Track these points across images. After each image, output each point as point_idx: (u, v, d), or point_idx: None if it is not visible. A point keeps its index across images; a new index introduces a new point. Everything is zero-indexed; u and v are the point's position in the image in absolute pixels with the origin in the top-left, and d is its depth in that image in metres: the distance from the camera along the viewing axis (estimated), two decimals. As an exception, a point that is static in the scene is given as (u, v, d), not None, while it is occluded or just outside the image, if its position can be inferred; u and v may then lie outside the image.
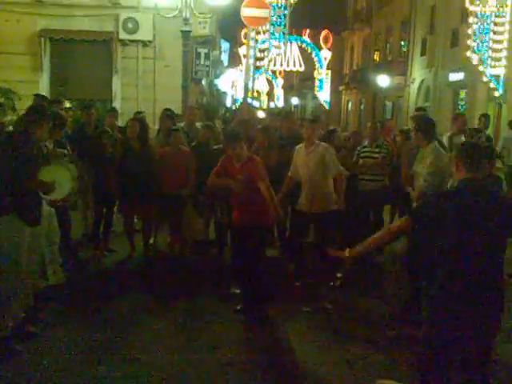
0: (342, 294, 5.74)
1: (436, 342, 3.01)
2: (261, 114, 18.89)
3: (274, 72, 36.17)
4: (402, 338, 4.59)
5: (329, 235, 6.96)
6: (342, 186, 5.87)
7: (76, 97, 12.75)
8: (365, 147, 7.04)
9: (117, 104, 12.23)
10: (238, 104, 27.23)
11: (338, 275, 5.98)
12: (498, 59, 17.53)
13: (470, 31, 17.74)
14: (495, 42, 17.52)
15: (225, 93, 36.91)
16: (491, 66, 17.58)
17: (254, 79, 18.10)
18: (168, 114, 7.74)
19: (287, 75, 40.54)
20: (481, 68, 17.74)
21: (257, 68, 22.66)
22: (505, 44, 17.46)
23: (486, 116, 9.70)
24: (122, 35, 12.44)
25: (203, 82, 19.08)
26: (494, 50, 17.53)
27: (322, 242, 5.92)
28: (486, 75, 17.75)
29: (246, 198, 4.97)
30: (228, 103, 36.84)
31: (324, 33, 30.55)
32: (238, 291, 5.40)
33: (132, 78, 12.85)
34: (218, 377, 3.98)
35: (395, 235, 3.21)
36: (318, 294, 5.64)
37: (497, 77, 17.62)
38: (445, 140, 7.74)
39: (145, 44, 12.65)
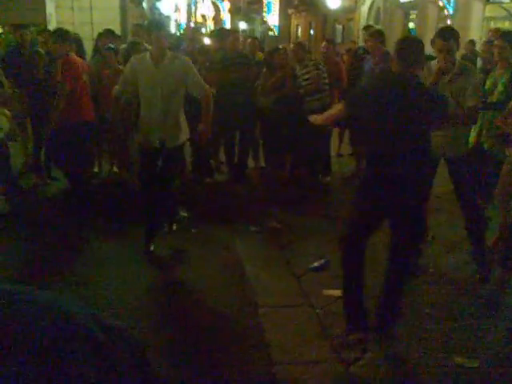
0: (290, 213, 5.83)
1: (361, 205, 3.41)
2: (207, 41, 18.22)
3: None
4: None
5: (278, 159, 7.01)
6: None
7: (7, 21, 11.89)
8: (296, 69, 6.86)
9: (51, 28, 11.53)
10: (181, 30, 26.20)
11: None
12: (447, -22, 17.35)
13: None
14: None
15: (168, 17, 35.36)
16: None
17: (196, 2, 17.34)
18: (109, 31, 7.34)
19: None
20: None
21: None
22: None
23: (473, 42, 9.43)
24: (54, -47, 11.58)
25: (144, 5, 18.17)
26: (443, -31, 17.31)
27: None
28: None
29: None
30: (172, 29, 35.42)
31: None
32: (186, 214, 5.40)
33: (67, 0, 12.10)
34: (170, 297, 4.04)
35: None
36: (266, 214, 5.71)
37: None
38: None
39: (79, -37, 11.86)
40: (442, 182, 4.55)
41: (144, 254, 4.68)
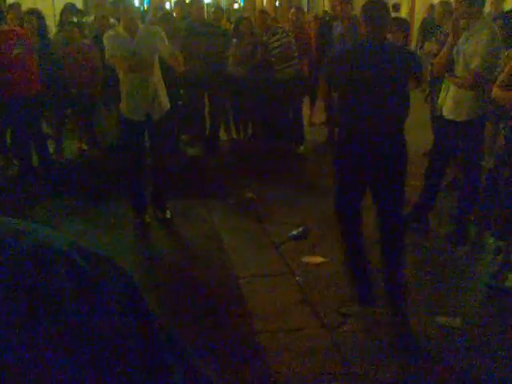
0: (266, 184, 5.75)
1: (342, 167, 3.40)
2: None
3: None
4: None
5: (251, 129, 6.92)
6: None
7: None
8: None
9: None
10: (146, 4, 25.49)
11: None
12: None
13: None
14: None
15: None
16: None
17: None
18: (72, 5, 7.08)
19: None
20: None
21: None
22: None
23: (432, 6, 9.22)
24: None
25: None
26: None
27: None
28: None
29: None
30: (136, 2, 34.45)
31: None
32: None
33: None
34: (147, 270, 3.96)
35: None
36: (241, 186, 5.63)
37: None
38: None
39: None
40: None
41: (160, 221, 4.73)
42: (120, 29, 4.47)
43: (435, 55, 4.89)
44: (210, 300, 3.56)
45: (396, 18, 5.21)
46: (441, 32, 5.35)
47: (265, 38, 6.64)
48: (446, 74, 4.35)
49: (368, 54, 3.25)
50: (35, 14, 6.33)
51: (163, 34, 4.48)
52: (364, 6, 3.32)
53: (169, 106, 4.61)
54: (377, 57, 3.23)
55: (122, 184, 4.88)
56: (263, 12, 7.12)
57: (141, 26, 4.51)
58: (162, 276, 3.92)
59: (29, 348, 0.38)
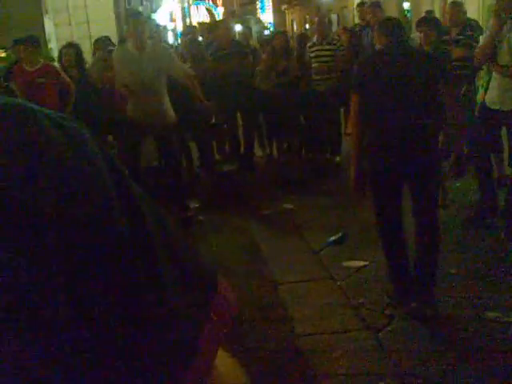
0: (302, 194, 5.70)
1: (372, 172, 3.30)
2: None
3: (213, 1, 34.89)
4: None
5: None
6: None
7: (5, 44, 11.93)
8: (314, 44, 6.67)
9: (52, 46, 11.54)
10: (179, 38, 26.20)
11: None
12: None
13: None
14: None
15: (165, 27, 35.47)
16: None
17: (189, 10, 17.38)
18: (106, 37, 7.36)
19: (227, 2, 39.13)
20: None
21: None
22: None
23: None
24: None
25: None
26: None
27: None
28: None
29: None
30: (170, 39, 35.52)
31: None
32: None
33: (63, 16, 12.12)
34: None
35: (357, 121, 3.30)
36: (278, 197, 5.60)
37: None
38: None
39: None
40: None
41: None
42: (128, 46, 4.61)
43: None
44: (249, 305, 3.51)
45: (427, 19, 5.17)
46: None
47: (314, 45, 6.65)
48: (490, 64, 4.30)
49: (392, 57, 3.27)
50: (74, 46, 6.58)
51: (174, 55, 4.65)
52: (379, 23, 3.53)
53: (174, 118, 4.74)
54: (400, 59, 3.25)
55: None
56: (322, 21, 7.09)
57: (149, 41, 4.66)
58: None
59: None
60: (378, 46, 3.62)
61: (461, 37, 5.37)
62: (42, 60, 5.91)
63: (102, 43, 7.16)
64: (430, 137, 3.21)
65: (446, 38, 5.58)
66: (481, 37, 5.10)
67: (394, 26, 3.35)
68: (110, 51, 6.44)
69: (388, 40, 3.30)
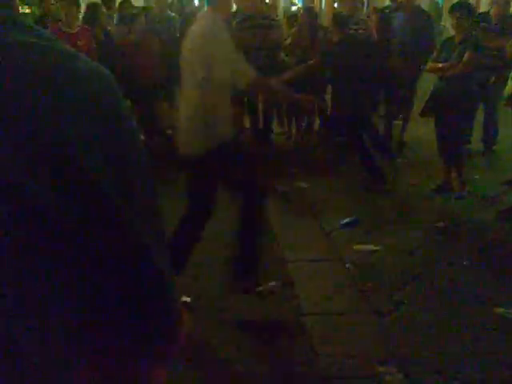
0: (317, 173, 5.64)
1: None
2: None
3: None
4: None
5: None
6: None
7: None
8: None
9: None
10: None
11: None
12: None
13: None
14: None
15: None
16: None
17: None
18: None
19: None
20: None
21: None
22: None
23: None
24: None
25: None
26: None
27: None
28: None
29: None
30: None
31: None
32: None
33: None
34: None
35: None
36: (293, 175, 5.55)
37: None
38: None
39: None
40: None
41: None
42: (217, 19, 3.25)
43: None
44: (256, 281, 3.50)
45: (460, 4, 4.97)
46: None
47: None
48: None
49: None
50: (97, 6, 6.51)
51: None
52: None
53: None
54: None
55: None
56: None
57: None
58: (207, 256, 3.89)
59: None
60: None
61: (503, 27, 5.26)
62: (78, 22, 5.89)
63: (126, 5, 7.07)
64: None
65: (484, 24, 5.43)
66: None
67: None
68: (135, 15, 6.37)
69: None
